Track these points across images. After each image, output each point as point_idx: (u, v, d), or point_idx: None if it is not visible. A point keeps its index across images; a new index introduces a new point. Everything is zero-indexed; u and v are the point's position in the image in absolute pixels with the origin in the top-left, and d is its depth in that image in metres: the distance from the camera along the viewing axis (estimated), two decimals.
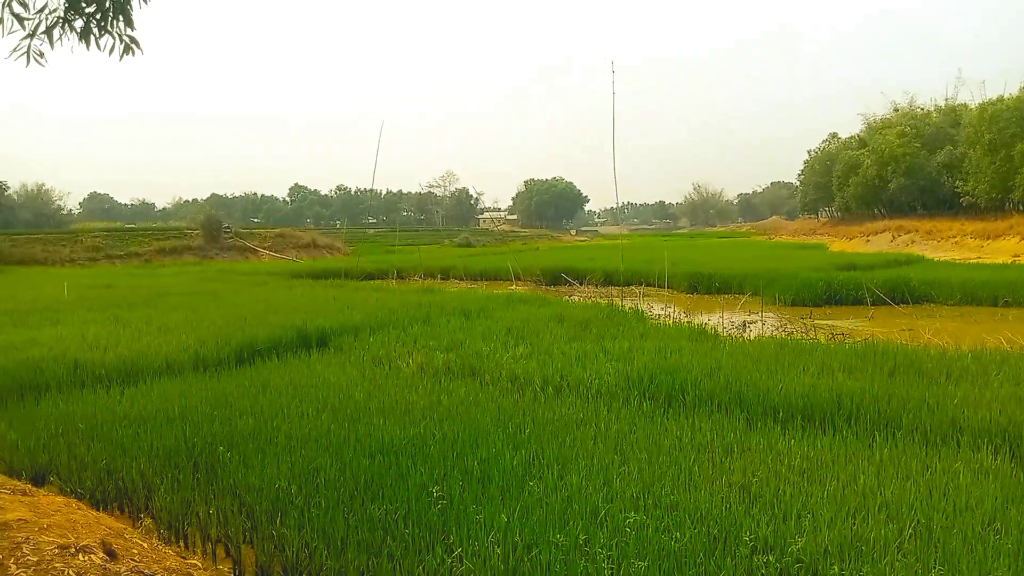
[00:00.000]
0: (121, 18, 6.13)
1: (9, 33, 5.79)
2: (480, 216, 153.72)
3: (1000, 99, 49.99)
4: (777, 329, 17.44)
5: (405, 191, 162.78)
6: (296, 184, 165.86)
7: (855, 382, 8.71)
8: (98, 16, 6.08)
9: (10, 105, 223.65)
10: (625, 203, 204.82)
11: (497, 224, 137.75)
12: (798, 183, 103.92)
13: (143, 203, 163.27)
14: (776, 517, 5.01)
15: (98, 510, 6.23)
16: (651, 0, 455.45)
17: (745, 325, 18.27)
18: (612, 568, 4.38)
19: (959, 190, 53.69)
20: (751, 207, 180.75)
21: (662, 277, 25.11)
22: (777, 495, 5.41)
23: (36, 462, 7.16)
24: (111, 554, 4.26)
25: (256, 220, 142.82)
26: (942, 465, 6.08)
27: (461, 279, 35.67)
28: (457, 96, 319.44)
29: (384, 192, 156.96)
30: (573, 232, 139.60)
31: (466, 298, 20.24)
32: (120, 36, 6.17)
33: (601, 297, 22.84)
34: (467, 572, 4.46)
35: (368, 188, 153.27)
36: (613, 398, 8.73)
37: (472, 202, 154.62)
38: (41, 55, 6.02)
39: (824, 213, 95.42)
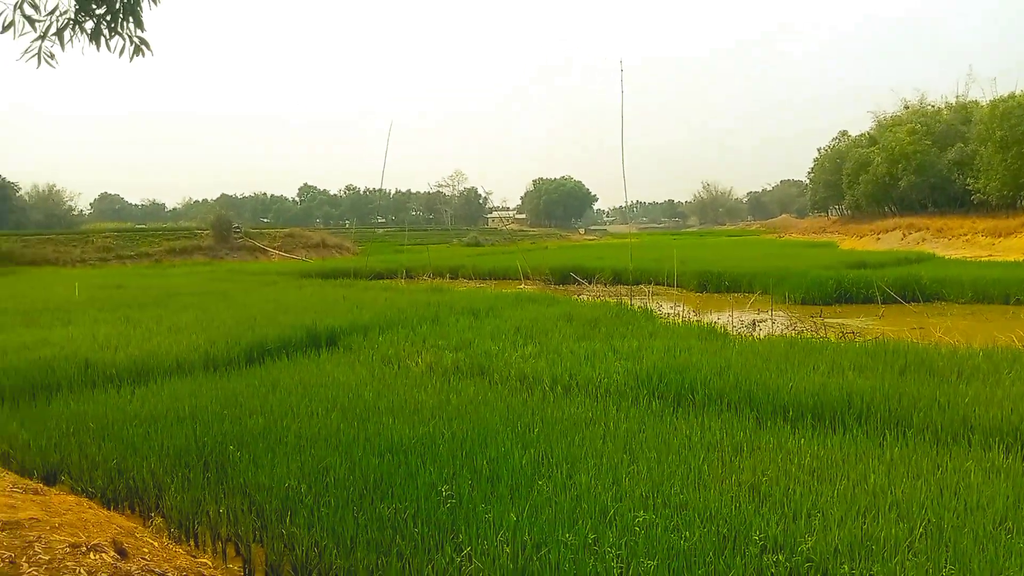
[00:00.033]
0: (131, 19, 6.16)
1: (20, 35, 5.83)
2: (489, 215, 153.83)
3: (1012, 96, 49.60)
4: (787, 328, 17.36)
5: (414, 191, 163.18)
6: (305, 184, 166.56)
7: (866, 381, 8.67)
8: (108, 17, 6.10)
9: (10, 105, 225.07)
10: (634, 202, 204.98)
11: (506, 223, 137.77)
12: (808, 181, 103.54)
13: (153, 203, 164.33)
14: (786, 516, 4.99)
15: (109, 509, 6.27)
16: (651, 1, 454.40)
17: (755, 324, 18.18)
18: (621, 567, 4.38)
19: (970, 187, 53.37)
20: (761, 205, 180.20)
21: (671, 276, 25.04)
22: (787, 494, 5.39)
23: (48, 461, 7.20)
24: (122, 553, 4.28)
25: (266, 220, 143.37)
26: (953, 464, 6.05)
27: (470, 278, 35.72)
28: (457, 96, 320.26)
29: (393, 192, 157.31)
30: (582, 231, 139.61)
31: (475, 297, 20.27)
32: (130, 37, 6.19)
33: (610, 296, 22.79)
34: (476, 571, 4.47)
35: (377, 188, 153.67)
36: (622, 397, 8.71)
37: (481, 201, 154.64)
38: (52, 57, 6.05)
39: (834, 211, 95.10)
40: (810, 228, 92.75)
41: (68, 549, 4.10)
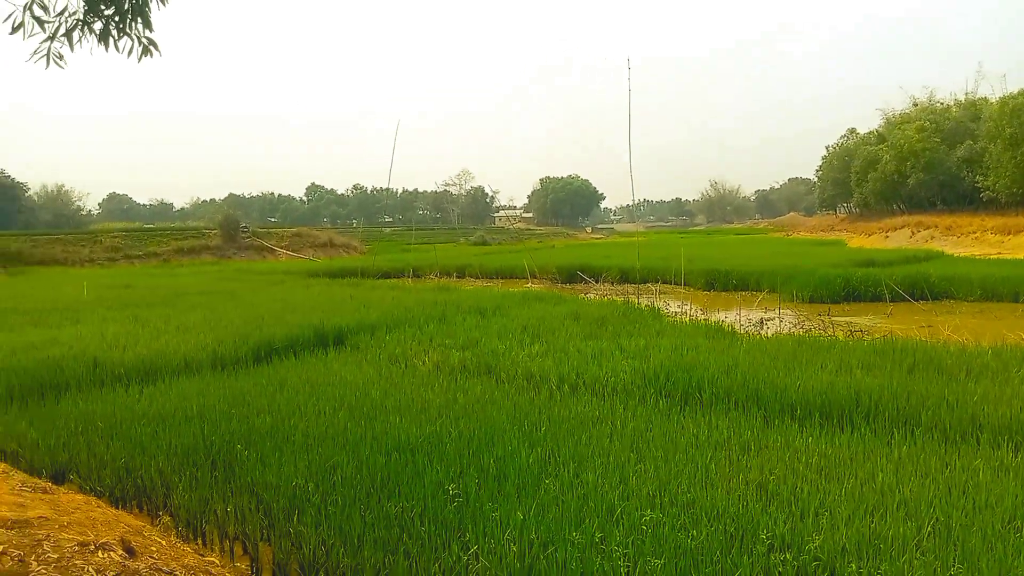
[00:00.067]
0: (139, 20, 6.19)
1: (30, 36, 5.86)
2: (495, 214, 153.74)
3: (1021, 92, 49.27)
4: (795, 326, 17.30)
5: (421, 190, 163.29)
6: (313, 184, 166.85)
7: (874, 379, 8.64)
8: (116, 18, 6.13)
9: (10, 105, 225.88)
10: (641, 200, 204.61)
11: (513, 222, 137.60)
12: (816, 179, 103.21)
13: (161, 203, 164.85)
14: (793, 515, 4.98)
15: (117, 508, 6.30)
16: (651, 1, 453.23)
17: (762, 322, 18.13)
18: (628, 566, 4.37)
19: (979, 185, 53.07)
20: (768, 203, 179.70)
21: (678, 274, 24.97)
22: (794, 493, 5.38)
23: (56, 460, 7.24)
24: (130, 551, 4.30)
25: (273, 220, 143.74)
26: (961, 463, 6.02)
27: (477, 277, 35.69)
28: (458, 96, 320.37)
29: (400, 191, 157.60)
30: (589, 230, 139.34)
31: (482, 296, 20.27)
32: (138, 38, 6.23)
33: (617, 295, 22.75)
34: (483, 570, 4.47)
35: (384, 187, 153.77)
36: (629, 396, 8.71)
37: (488, 200, 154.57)
38: (61, 58, 6.08)
39: (842, 209, 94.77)
40: (818, 226, 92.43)
41: (77, 547, 4.12)
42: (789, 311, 20.66)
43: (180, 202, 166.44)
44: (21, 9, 5.75)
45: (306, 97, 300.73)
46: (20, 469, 6.99)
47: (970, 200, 57.18)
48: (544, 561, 4.46)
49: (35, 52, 5.94)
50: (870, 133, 79.10)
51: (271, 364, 11.37)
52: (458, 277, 35.90)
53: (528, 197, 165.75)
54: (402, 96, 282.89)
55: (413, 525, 5.04)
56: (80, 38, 6.09)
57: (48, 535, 4.24)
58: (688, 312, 18.52)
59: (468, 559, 4.56)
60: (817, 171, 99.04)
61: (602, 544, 4.61)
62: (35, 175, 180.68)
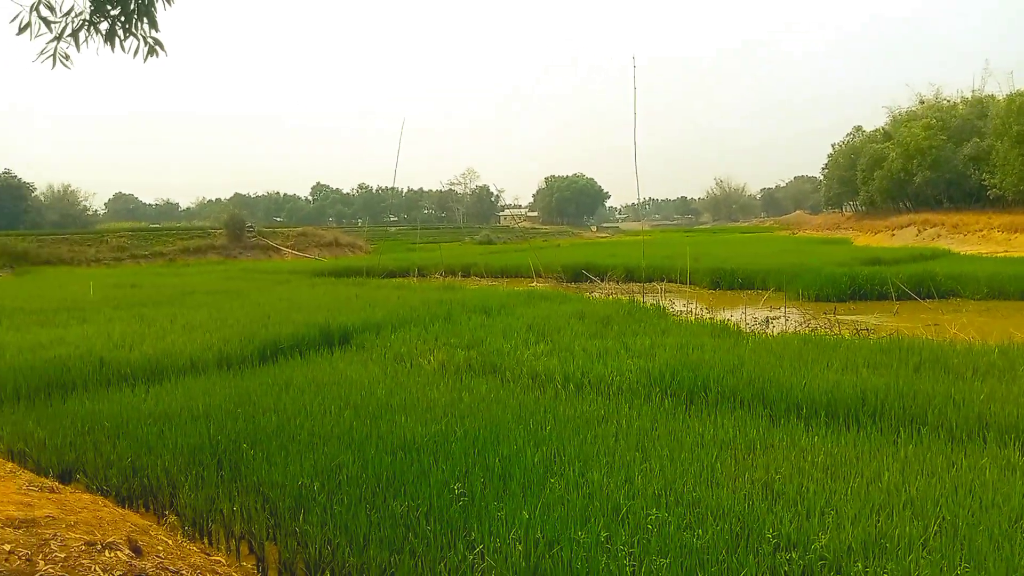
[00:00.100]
0: (145, 20, 6.20)
1: (36, 36, 5.88)
2: (501, 213, 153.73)
3: None
4: (801, 325, 17.28)
5: (426, 189, 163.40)
6: (318, 183, 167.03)
7: (880, 378, 8.62)
8: (123, 19, 6.15)
9: (10, 105, 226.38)
10: (647, 199, 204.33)
11: (518, 221, 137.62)
12: (822, 177, 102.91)
13: (167, 203, 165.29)
14: (799, 514, 4.97)
15: (124, 507, 6.31)
16: (657, 1, 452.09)
17: (768, 321, 18.12)
18: (634, 565, 4.37)
19: (986, 183, 52.88)
20: (774, 202, 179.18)
21: (684, 273, 24.96)
22: (800, 492, 5.37)
23: (63, 460, 7.26)
24: (136, 551, 4.31)
25: (279, 219, 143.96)
26: (968, 462, 6.00)
27: (482, 276, 35.75)
28: (458, 96, 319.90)
29: (405, 190, 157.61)
30: (594, 228, 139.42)
31: (487, 295, 20.27)
32: (144, 38, 6.24)
33: (622, 293, 22.75)
34: (488, 569, 4.47)
35: (389, 187, 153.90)
36: (635, 395, 8.70)
37: (492, 199, 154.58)
38: (67, 58, 6.10)
39: (848, 207, 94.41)
40: (824, 224, 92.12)
41: (83, 547, 4.14)
42: (795, 310, 20.64)
43: (186, 202, 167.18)
44: (28, 10, 5.77)
45: (307, 97, 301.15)
46: (27, 468, 7.03)
47: (977, 198, 56.99)
48: (550, 560, 4.46)
49: (41, 52, 5.96)
50: (876, 131, 78.86)
51: (277, 363, 11.40)
52: (463, 276, 35.96)
53: (533, 196, 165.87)
54: (403, 96, 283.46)
55: (419, 524, 5.04)
56: (86, 38, 6.11)
57: (55, 534, 4.25)
58: (693, 311, 18.53)
59: (474, 558, 4.56)
60: (823, 169, 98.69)
61: (608, 543, 4.60)
62: (35, 175, 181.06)
